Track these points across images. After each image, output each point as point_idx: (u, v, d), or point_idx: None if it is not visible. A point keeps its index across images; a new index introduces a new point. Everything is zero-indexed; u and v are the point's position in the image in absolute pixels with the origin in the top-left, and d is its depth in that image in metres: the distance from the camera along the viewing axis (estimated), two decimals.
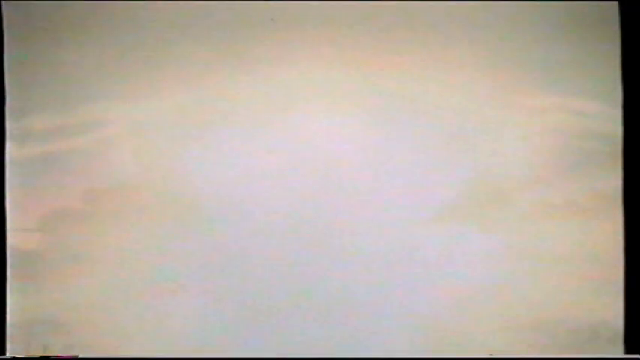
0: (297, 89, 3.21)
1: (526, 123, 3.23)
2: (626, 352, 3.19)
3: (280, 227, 3.18)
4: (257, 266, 3.20)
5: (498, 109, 3.23)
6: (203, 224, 3.20)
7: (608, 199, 3.26)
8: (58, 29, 3.25)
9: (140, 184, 3.24)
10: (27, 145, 3.27)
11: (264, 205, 3.19)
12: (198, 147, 3.22)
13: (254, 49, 3.23)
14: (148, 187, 3.25)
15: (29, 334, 3.22)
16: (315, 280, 3.18)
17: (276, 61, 3.23)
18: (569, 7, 3.25)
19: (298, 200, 3.20)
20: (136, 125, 3.24)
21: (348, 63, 3.22)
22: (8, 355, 3.20)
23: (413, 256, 3.21)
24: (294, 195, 3.20)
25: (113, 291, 3.23)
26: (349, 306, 3.18)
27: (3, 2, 3.25)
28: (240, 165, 3.21)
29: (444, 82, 3.23)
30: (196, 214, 3.21)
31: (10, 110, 3.25)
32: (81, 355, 3.21)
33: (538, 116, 3.24)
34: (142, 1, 3.25)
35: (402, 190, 3.21)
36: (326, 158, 3.20)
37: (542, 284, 3.24)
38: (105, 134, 3.24)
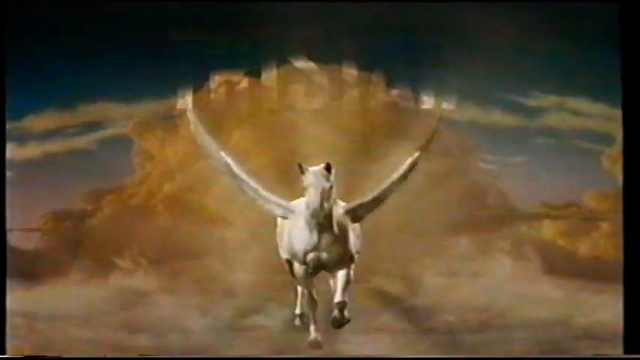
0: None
1: (526, 123, 3.24)
2: (626, 352, 3.19)
3: None
4: None
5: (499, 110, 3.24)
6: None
7: (608, 199, 3.26)
8: (58, 30, 3.26)
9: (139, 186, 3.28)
10: (27, 145, 3.28)
11: None
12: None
13: (259, 45, 3.25)
14: (147, 189, 3.29)
15: (28, 333, 3.23)
16: None
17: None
18: (569, 7, 3.25)
19: None
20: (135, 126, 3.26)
21: None
22: (8, 355, 3.21)
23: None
24: None
25: (113, 292, 3.26)
26: None
27: (5, 4, 3.26)
28: None
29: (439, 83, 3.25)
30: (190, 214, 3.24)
31: (10, 110, 3.26)
32: (78, 355, 3.22)
33: (538, 116, 3.25)
34: (142, 2, 3.26)
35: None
36: None
37: (542, 283, 3.25)
38: (105, 134, 3.25)
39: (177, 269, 3.28)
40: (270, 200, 2.90)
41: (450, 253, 3.29)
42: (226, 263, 3.28)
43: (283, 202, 2.90)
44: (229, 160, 2.89)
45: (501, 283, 3.26)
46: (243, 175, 2.89)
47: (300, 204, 2.85)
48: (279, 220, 2.95)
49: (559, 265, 3.28)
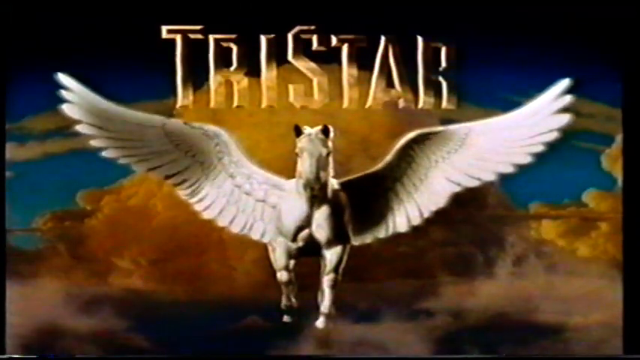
0: None
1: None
2: (626, 353, 3.19)
3: None
4: None
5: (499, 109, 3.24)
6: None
7: (608, 199, 3.27)
8: (58, 29, 3.26)
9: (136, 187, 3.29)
10: (27, 145, 3.28)
11: None
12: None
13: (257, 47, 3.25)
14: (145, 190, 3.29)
15: (28, 333, 3.23)
16: None
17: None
18: (570, 8, 3.25)
19: None
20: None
21: None
22: (7, 355, 3.21)
23: None
24: None
25: (112, 291, 3.27)
26: None
27: (6, 4, 3.27)
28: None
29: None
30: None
31: (10, 110, 3.26)
32: (79, 356, 3.22)
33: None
34: (141, 3, 3.27)
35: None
36: None
37: (542, 283, 3.25)
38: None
39: (177, 269, 3.28)
40: (254, 174, 2.72)
41: (449, 252, 3.29)
42: (226, 263, 3.29)
43: (270, 174, 2.73)
44: (198, 124, 2.72)
45: (500, 284, 3.27)
46: (225, 137, 2.66)
47: (290, 182, 2.68)
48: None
49: (558, 265, 3.28)
